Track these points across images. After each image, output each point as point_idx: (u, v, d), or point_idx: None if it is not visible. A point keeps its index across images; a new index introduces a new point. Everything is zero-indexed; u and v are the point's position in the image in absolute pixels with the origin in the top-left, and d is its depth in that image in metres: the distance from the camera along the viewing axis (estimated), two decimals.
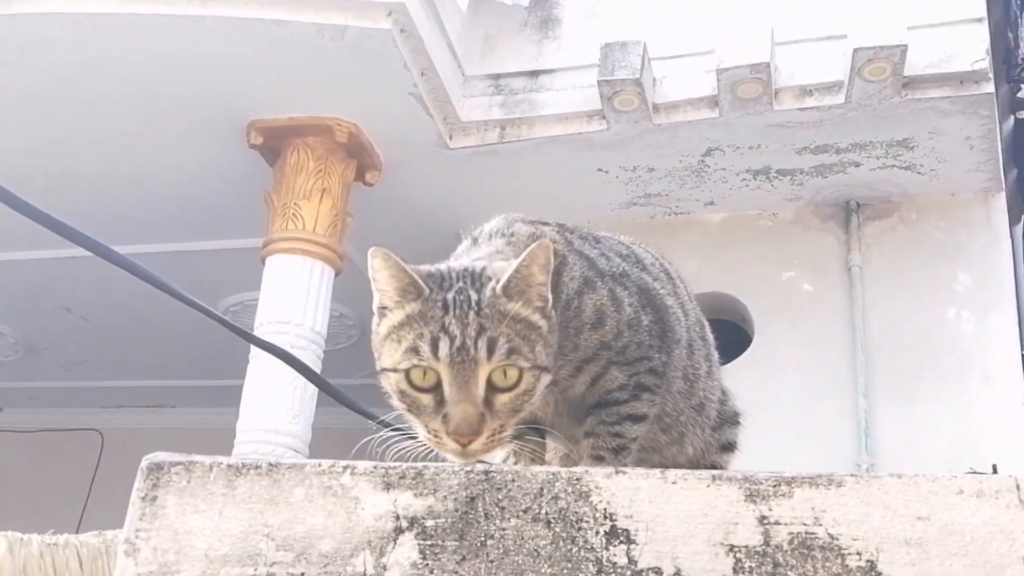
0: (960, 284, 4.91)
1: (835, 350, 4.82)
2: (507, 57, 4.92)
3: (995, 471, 3.94)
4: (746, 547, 0.76)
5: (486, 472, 0.81)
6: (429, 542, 0.80)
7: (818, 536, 0.75)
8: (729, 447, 1.52)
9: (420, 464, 0.83)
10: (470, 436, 1.02)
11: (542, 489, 0.80)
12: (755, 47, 4.38)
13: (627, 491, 0.79)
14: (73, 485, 8.64)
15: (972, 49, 4.32)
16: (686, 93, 4.60)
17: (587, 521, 0.79)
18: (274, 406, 4.52)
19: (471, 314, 1.07)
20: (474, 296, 1.09)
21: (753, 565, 0.75)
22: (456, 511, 0.81)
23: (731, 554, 0.76)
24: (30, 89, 4.53)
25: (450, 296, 1.09)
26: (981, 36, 4.37)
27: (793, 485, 0.77)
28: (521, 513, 0.80)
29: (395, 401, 1.11)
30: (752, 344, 4.95)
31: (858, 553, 0.74)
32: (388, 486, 0.83)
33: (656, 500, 0.78)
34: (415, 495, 0.82)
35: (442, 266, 1.18)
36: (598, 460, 1.17)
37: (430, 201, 5.17)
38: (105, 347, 7.31)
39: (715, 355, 1.51)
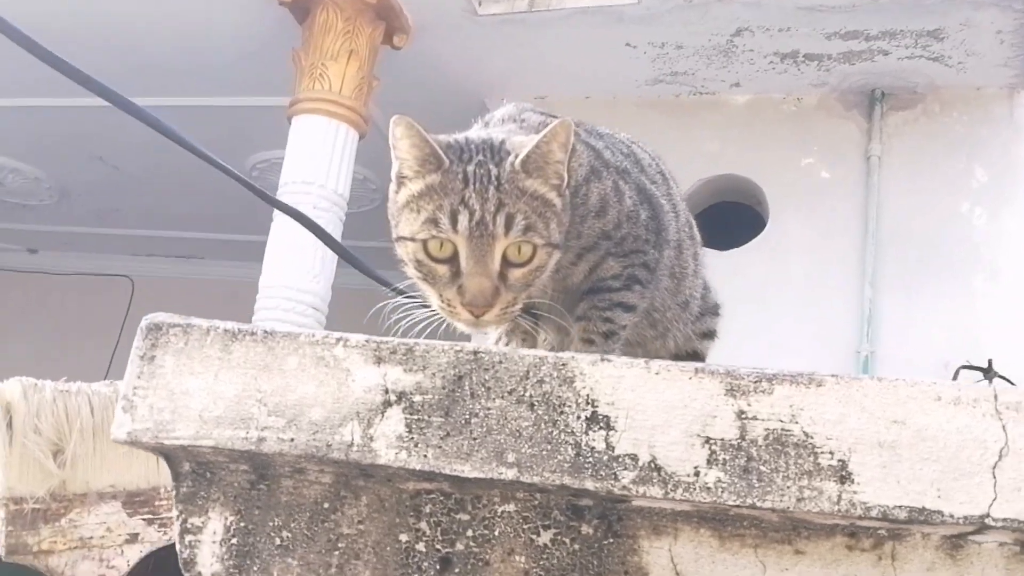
0: (976, 180, 4.82)
1: (846, 238, 4.77)
2: None
3: (990, 367, 3.94)
4: (722, 440, 0.75)
5: (475, 352, 0.81)
6: (416, 417, 0.80)
7: (793, 433, 0.75)
8: (709, 335, 1.52)
9: (411, 340, 0.82)
10: (484, 308, 1.05)
11: (528, 372, 0.80)
12: None
13: (611, 379, 0.78)
14: (103, 329, 8.80)
15: None
16: None
17: (569, 406, 0.78)
18: (296, 264, 4.54)
19: (491, 189, 1.06)
20: (494, 170, 1.07)
21: (727, 458, 0.75)
22: (443, 388, 0.81)
23: (706, 446, 0.75)
24: None
25: (470, 169, 1.08)
26: None
27: (774, 382, 0.76)
28: (506, 394, 0.80)
29: (410, 270, 1.12)
30: (766, 228, 4.91)
31: (831, 452, 0.73)
32: (379, 360, 0.83)
33: (638, 389, 0.77)
34: (405, 370, 0.82)
35: (461, 137, 1.15)
36: (588, 344, 1.17)
37: (456, 68, 5.07)
38: (136, 197, 7.32)
39: (701, 253, 1.49)
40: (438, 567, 0.82)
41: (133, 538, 1.33)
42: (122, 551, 1.33)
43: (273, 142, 6.35)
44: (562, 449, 0.78)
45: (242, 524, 0.84)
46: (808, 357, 4.55)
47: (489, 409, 0.80)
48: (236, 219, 7.63)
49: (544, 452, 0.78)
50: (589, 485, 0.76)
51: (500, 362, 0.81)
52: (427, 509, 0.82)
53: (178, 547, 0.85)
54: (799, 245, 4.71)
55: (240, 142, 6.51)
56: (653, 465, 0.76)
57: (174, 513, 0.86)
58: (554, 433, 0.78)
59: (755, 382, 0.76)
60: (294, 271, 4.57)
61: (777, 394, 0.76)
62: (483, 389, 0.80)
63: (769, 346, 4.42)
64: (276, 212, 4.76)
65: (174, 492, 0.86)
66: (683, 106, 5.20)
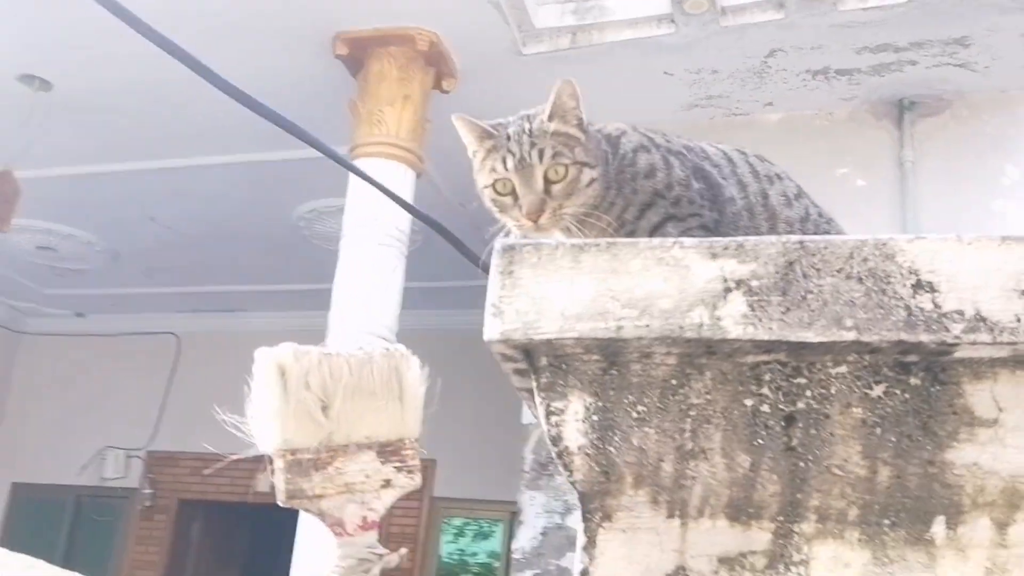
0: (1007, 177, 4.97)
1: None
2: None
3: None
4: None
5: (800, 241, 0.93)
6: (755, 298, 0.92)
7: None
8: None
9: (741, 238, 0.94)
10: (537, 214, 1.46)
11: (852, 253, 0.92)
12: None
13: (928, 252, 0.90)
14: (151, 386, 8.89)
15: None
16: None
17: (895, 277, 0.90)
18: (363, 299, 4.65)
19: (525, 137, 1.49)
20: (527, 126, 1.51)
21: None
22: (776, 273, 0.92)
23: (1023, 298, 0.87)
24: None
25: (511, 130, 1.52)
26: None
27: None
28: (835, 272, 0.91)
29: (493, 209, 1.55)
30: None
31: None
32: (714, 256, 0.94)
33: (954, 259, 0.89)
34: (738, 262, 0.94)
35: (504, 119, 1.58)
36: None
37: (502, 107, 5.19)
38: (183, 252, 7.48)
39: (774, 203, 1.60)
40: (783, 423, 0.93)
41: (387, 483, 1.43)
42: (379, 495, 1.43)
43: (320, 192, 6.51)
44: (894, 312, 0.89)
45: (600, 404, 0.96)
46: None
47: (822, 286, 0.91)
48: (278, 270, 7.77)
49: (878, 315, 0.89)
50: (924, 338, 0.88)
51: (825, 247, 0.92)
52: (767, 377, 0.94)
53: (545, 427, 0.96)
54: None
55: (286, 193, 6.65)
56: (978, 316, 0.88)
57: (536, 400, 0.97)
58: (884, 300, 0.90)
59: None
60: (362, 306, 4.67)
61: None
62: (813, 271, 0.92)
63: None
64: (339, 258, 4.86)
65: (535, 384, 0.97)
66: (717, 128, 5.37)
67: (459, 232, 6.87)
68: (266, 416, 1.37)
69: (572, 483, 0.96)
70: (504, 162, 1.49)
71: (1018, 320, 0.88)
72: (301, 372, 1.40)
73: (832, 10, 4.56)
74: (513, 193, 1.49)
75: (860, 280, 0.91)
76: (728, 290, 0.93)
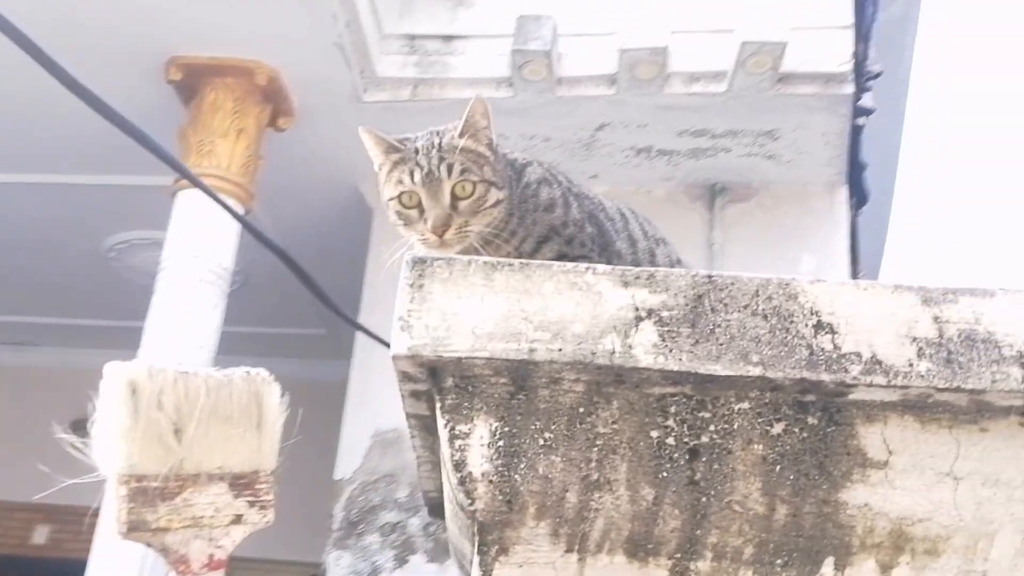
0: (804, 265, 5.30)
1: None
2: (423, 20, 4.97)
3: None
4: (925, 338, 0.91)
5: (708, 276, 0.94)
6: (666, 328, 0.92)
7: (979, 332, 0.91)
8: None
9: (650, 268, 0.94)
10: (443, 228, 1.44)
11: (757, 291, 0.93)
12: (655, 32, 4.61)
13: (828, 294, 0.93)
14: None
15: (839, 53, 4.68)
16: (588, 70, 4.79)
17: (797, 316, 0.92)
18: (179, 338, 4.42)
19: (434, 151, 1.47)
20: (436, 140, 1.49)
21: (932, 352, 0.91)
22: (686, 305, 0.93)
23: (914, 343, 0.91)
24: None
25: (420, 144, 1.50)
26: (847, 42, 4.74)
27: (957, 294, 0.93)
28: (742, 308, 0.92)
29: (397, 222, 1.52)
30: None
31: (1010, 345, 0.90)
32: (625, 284, 0.94)
33: (852, 302, 0.92)
34: (649, 292, 0.93)
35: (411, 134, 1.56)
36: None
37: (335, 152, 5.16)
38: None
39: (661, 263, 1.67)
40: (687, 456, 0.92)
41: (237, 519, 1.33)
42: (228, 531, 1.32)
43: (132, 223, 6.18)
44: (797, 350, 0.91)
45: (506, 429, 0.92)
46: None
47: (729, 321, 0.92)
48: (80, 303, 7.29)
49: (782, 353, 0.91)
50: (824, 377, 0.90)
51: (732, 283, 0.94)
52: (672, 409, 0.93)
53: (447, 451, 0.91)
54: None
55: (96, 222, 6.29)
56: (875, 359, 0.91)
57: (440, 423, 0.92)
58: (788, 338, 0.91)
59: (943, 294, 0.93)
60: (176, 345, 4.44)
61: (962, 303, 0.93)
62: (721, 305, 0.93)
63: None
64: (154, 293, 4.63)
65: (439, 405, 0.93)
66: None
67: (281, 277, 6.66)
68: (111, 437, 1.25)
69: (472, 512, 0.92)
70: (412, 175, 1.47)
71: (910, 365, 0.91)
72: (154, 390, 1.29)
73: (659, 92, 4.77)
74: (419, 207, 1.47)
75: (765, 317, 0.93)
76: (639, 319, 0.93)
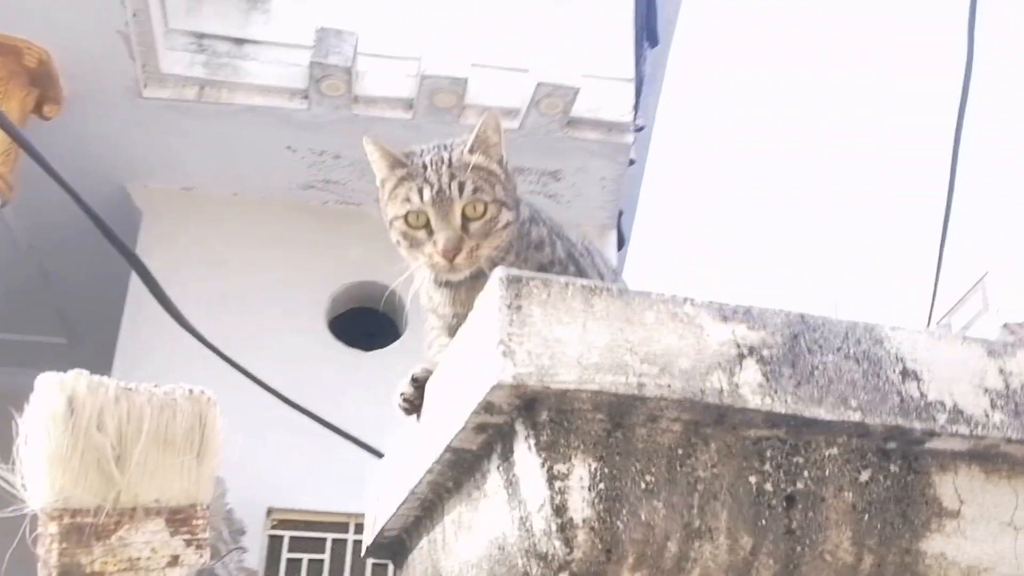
0: None
1: None
2: (213, 18, 4.64)
3: None
4: (995, 389, 0.92)
5: (801, 315, 0.89)
6: (769, 368, 0.86)
7: None
8: None
9: (747, 303, 0.88)
10: (454, 252, 1.31)
11: (847, 333, 0.90)
12: (456, 63, 4.57)
13: (909, 341, 0.92)
14: None
15: (623, 103, 4.87)
16: (388, 91, 4.67)
17: (885, 362, 0.90)
18: None
19: (444, 167, 1.34)
20: (446, 155, 1.36)
21: (1002, 403, 0.91)
22: (784, 344, 0.88)
23: (987, 394, 0.91)
24: None
25: (428, 158, 1.37)
26: (630, 94, 4.94)
27: (1016, 347, 0.94)
28: (835, 351, 0.89)
29: (402, 244, 1.38)
30: (404, 335, 5.09)
31: None
32: (724, 318, 0.87)
33: (930, 349, 0.91)
34: (748, 328, 0.87)
35: (417, 147, 1.43)
36: None
37: (105, 148, 4.68)
38: None
39: None
40: (785, 503, 0.86)
41: (174, 560, 1.11)
42: (164, 574, 1.10)
43: None
44: (890, 396, 0.88)
45: (606, 470, 0.82)
46: None
47: (826, 363, 0.88)
48: None
49: (877, 398, 0.88)
50: (916, 425, 0.88)
51: (823, 324, 0.90)
52: (768, 454, 0.87)
53: (546, 493, 0.80)
54: None
55: None
56: (956, 408, 0.90)
57: (536, 461, 0.81)
58: (880, 383, 0.89)
59: (1004, 347, 0.94)
60: None
61: (1019, 356, 0.94)
62: (817, 347, 0.89)
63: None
64: None
65: (531, 442, 0.81)
66: (329, 213, 5.27)
67: (26, 281, 5.98)
68: (42, 463, 1.02)
69: (567, 563, 0.80)
70: (420, 193, 1.32)
71: (986, 416, 0.91)
72: (94, 408, 1.06)
73: (455, 121, 4.74)
74: (427, 227, 1.33)
75: (857, 361, 0.90)
76: (742, 356, 0.87)
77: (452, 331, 1.40)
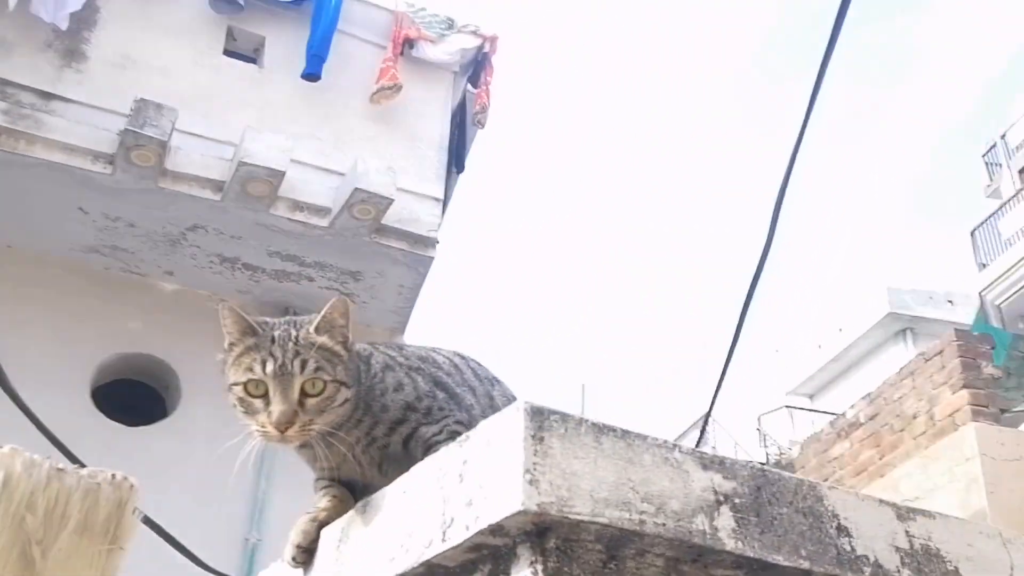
0: None
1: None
2: (22, 68, 4.37)
3: None
4: (904, 549, 1.03)
5: (762, 470, 0.97)
6: (739, 515, 0.93)
7: (931, 547, 1.06)
8: None
9: (720, 455, 0.95)
10: (287, 425, 1.33)
11: (795, 489, 0.99)
12: (276, 156, 4.53)
13: (840, 499, 1.02)
14: None
15: (431, 220, 4.99)
16: (200, 171, 4.55)
17: (825, 517, 0.99)
18: None
19: (290, 344, 1.38)
20: (294, 332, 1.40)
21: (908, 560, 1.03)
22: (750, 495, 0.95)
23: (897, 553, 1.02)
24: None
25: (277, 333, 1.40)
26: (438, 212, 5.08)
27: (915, 514, 1.07)
28: (788, 504, 0.97)
29: (237, 408, 1.39)
30: (175, 412, 4.82)
31: (950, 560, 1.06)
32: (704, 466, 0.94)
33: (856, 509, 1.02)
34: (723, 477, 0.94)
35: (270, 319, 1.48)
36: None
37: None
38: None
39: (499, 404, 1.71)
40: None
41: None
42: None
43: None
44: (829, 549, 0.98)
45: None
46: (202, 538, 4.47)
47: (781, 514, 0.96)
48: None
49: (820, 550, 0.97)
50: (849, 574, 0.97)
51: (779, 479, 0.99)
52: None
53: None
54: (205, 432, 4.69)
55: None
56: (877, 563, 1.01)
57: None
58: (822, 536, 0.98)
59: (908, 511, 1.07)
60: None
61: (919, 521, 1.07)
62: (775, 498, 0.97)
63: (168, 523, 4.27)
64: None
65: (540, 566, 0.83)
66: (110, 280, 4.98)
67: None
68: None
69: None
70: (264, 364, 1.35)
71: (898, 571, 1.02)
72: (26, 490, 0.96)
73: (264, 210, 4.67)
74: (265, 397, 1.35)
75: (804, 515, 0.99)
76: (719, 502, 0.93)
77: (330, 478, 1.47)
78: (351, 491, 1.46)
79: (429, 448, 1.40)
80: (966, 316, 13.40)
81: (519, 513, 0.82)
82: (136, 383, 5.14)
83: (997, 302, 12.42)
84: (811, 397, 15.76)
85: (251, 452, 1.39)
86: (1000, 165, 15.48)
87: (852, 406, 6.49)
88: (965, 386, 5.65)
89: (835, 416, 6.89)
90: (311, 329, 1.40)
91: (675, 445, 0.95)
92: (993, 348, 6.17)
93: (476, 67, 6.14)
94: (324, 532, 1.35)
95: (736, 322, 3.65)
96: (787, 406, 15.04)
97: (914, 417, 5.85)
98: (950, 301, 14.69)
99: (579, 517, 0.84)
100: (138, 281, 5.07)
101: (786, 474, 1.01)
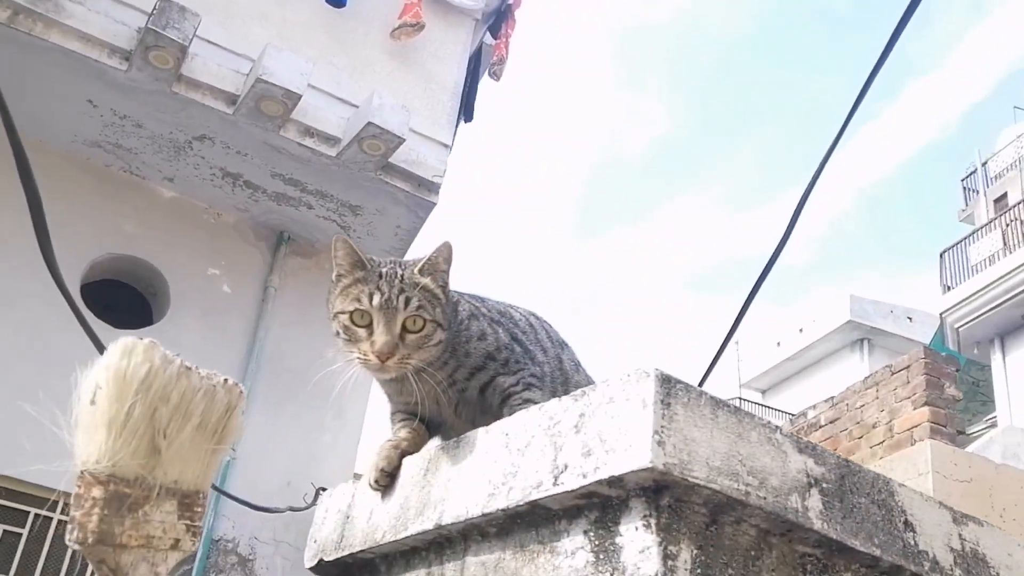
0: None
1: (233, 350, 4.92)
2: None
3: (317, 495, 4.31)
4: (957, 550, 1.09)
5: (847, 461, 1.03)
6: (826, 499, 0.99)
7: (978, 551, 1.12)
8: None
9: (813, 443, 1.00)
10: (387, 355, 1.43)
11: (873, 482, 1.05)
12: (294, 78, 4.48)
13: (908, 497, 1.07)
14: None
15: (437, 165, 4.97)
16: (216, 81, 4.48)
17: (895, 512, 1.05)
18: None
19: (396, 281, 1.47)
20: (399, 271, 1.50)
21: (959, 561, 1.09)
22: (836, 481, 1.01)
23: (951, 552, 1.09)
24: None
25: (384, 270, 1.50)
26: (445, 158, 5.06)
27: (967, 520, 1.13)
28: (865, 495, 1.03)
29: (340, 336, 1.49)
30: (164, 318, 4.79)
31: (994, 566, 1.12)
32: (800, 450, 0.99)
33: (920, 507, 1.08)
34: (815, 462, 1.00)
35: (378, 259, 1.57)
36: None
37: None
38: None
39: (567, 367, 1.76)
40: None
41: (175, 544, 1.02)
42: (166, 556, 1.01)
43: None
44: (897, 541, 1.04)
45: (703, 558, 0.90)
46: None
47: (860, 503, 1.02)
48: None
49: (889, 540, 1.03)
50: (912, 567, 1.04)
51: (859, 471, 1.04)
52: (808, 567, 0.99)
53: (660, 568, 0.86)
54: (190, 344, 4.64)
55: None
56: (935, 560, 1.07)
57: (653, 539, 0.87)
58: (891, 528, 1.04)
59: (962, 516, 1.12)
60: None
61: (970, 527, 1.13)
62: (855, 487, 1.02)
63: None
64: None
65: (653, 520, 0.87)
66: (109, 178, 4.91)
67: None
68: (101, 425, 0.92)
69: None
70: (371, 297, 1.45)
71: (952, 569, 1.08)
72: (164, 381, 0.98)
73: (274, 130, 4.62)
74: (369, 327, 1.45)
75: (879, 507, 1.04)
76: (811, 484, 0.99)
77: (409, 412, 1.56)
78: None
79: (507, 397, 1.51)
80: (923, 335, 13.66)
81: (645, 470, 0.86)
82: (123, 285, 5.08)
83: (956, 325, 12.67)
84: (764, 392, 16.05)
85: (349, 379, 1.48)
86: (977, 192, 15.74)
87: (814, 407, 6.63)
88: (927, 403, 5.80)
89: (795, 415, 7.03)
90: (416, 270, 1.48)
91: (777, 427, 1.00)
92: (958, 371, 6.32)
93: (498, 17, 6.10)
94: (406, 460, 1.39)
95: (735, 321, 3.69)
96: (740, 398, 15.32)
97: (874, 426, 6.00)
98: (910, 318, 14.98)
99: (696, 480, 0.88)
100: (137, 183, 5.00)
101: (864, 467, 1.07)
